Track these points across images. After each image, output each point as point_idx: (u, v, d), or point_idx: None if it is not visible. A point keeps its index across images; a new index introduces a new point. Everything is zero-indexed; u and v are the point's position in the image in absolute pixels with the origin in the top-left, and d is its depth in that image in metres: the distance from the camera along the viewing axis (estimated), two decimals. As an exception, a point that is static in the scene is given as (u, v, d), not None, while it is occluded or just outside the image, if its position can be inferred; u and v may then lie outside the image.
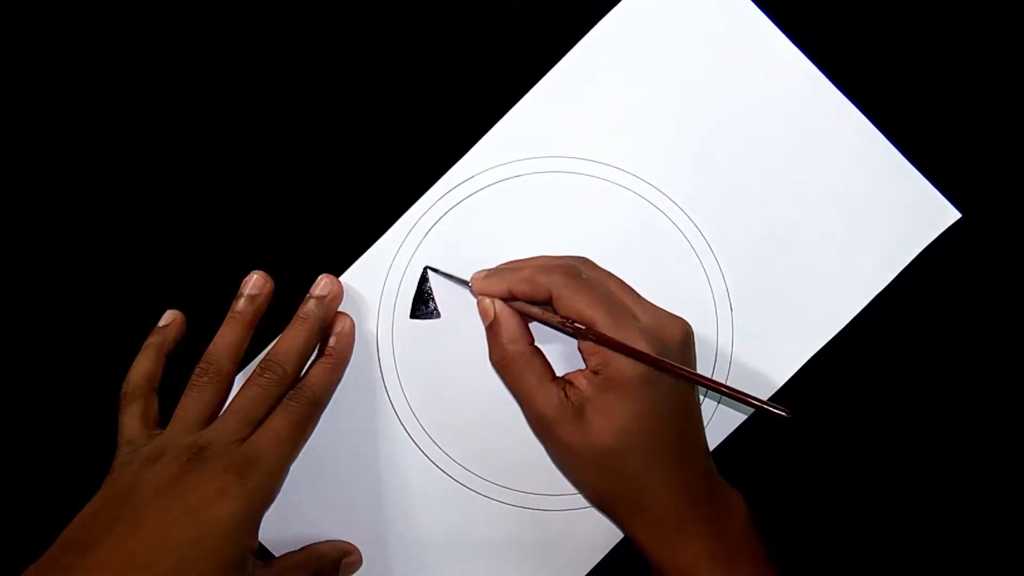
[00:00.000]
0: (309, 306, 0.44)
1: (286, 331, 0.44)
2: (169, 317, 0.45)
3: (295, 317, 0.44)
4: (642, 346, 0.40)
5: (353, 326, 0.45)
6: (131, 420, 0.43)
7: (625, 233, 0.47)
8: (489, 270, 0.45)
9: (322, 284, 0.45)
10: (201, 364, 0.43)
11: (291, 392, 0.42)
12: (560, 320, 0.41)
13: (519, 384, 0.43)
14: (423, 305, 0.46)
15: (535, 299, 0.43)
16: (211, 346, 0.43)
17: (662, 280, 0.46)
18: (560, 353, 0.45)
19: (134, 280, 0.47)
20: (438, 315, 0.47)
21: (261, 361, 0.43)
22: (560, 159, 0.47)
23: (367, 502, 0.46)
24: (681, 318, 0.43)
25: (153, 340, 0.45)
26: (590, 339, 0.41)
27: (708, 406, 0.47)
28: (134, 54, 0.48)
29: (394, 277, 0.47)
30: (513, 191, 0.47)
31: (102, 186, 0.48)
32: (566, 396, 0.41)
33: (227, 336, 0.44)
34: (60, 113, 0.48)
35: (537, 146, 0.47)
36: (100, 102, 0.48)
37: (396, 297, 0.47)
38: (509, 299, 0.43)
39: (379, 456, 0.46)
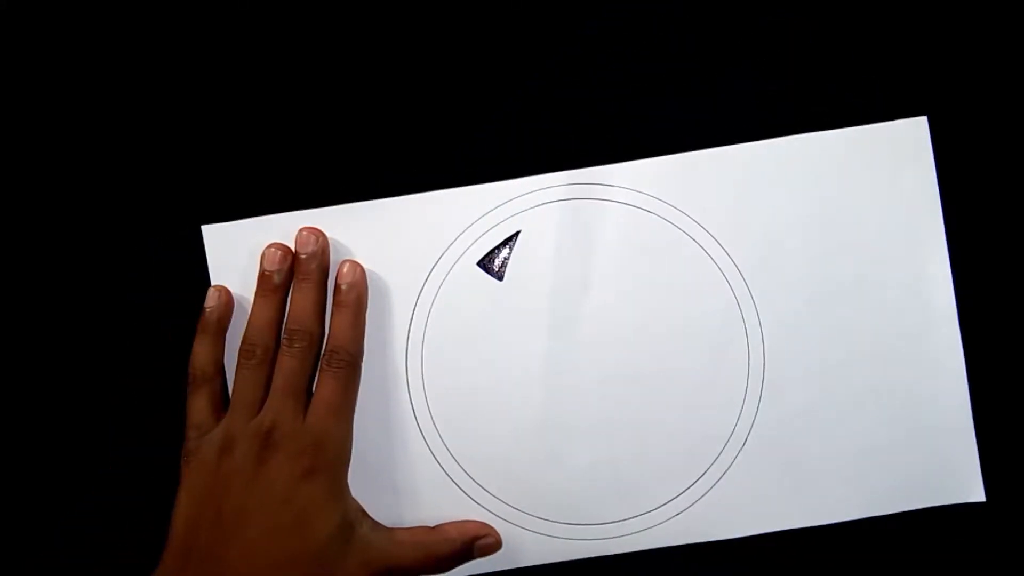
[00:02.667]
0: (304, 263, 0.45)
1: (292, 296, 0.45)
2: (215, 296, 0.46)
3: (296, 280, 0.45)
4: None
5: (363, 272, 0.46)
6: (200, 404, 0.44)
7: (700, 315, 0.47)
8: None
9: (304, 237, 0.45)
10: (245, 346, 0.44)
11: (324, 357, 0.44)
12: None
13: None
14: (493, 261, 0.46)
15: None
16: (249, 327, 0.45)
17: (704, 375, 0.46)
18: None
19: (135, 279, 0.47)
20: (501, 278, 0.46)
21: (285, 332, 0.44)
22: (686, 218, 0.47)
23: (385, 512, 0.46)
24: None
25: (208, 320, 0.45)
26: None
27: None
28: (134, 54, 0.47)
29: (481, 225, 0.47)
30: (629, 218, 0.47)
31: (102, 184, 0.47)
32: None
33: (263, 313, 0.45)
34: (60, 113, 0.47)
35: (675, 195, 0.47)
36: (100, 102, 0.47)
37: (473, 243, 0.47)
38: None
39: (397, 467, 0.46)
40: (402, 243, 0.46)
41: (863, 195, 0.47)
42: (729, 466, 0.46)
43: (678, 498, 0.46)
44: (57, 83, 0.48)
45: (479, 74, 0.48)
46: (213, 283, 0.46)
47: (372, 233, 0.46)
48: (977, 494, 0.47)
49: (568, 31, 0.48)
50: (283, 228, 0.46)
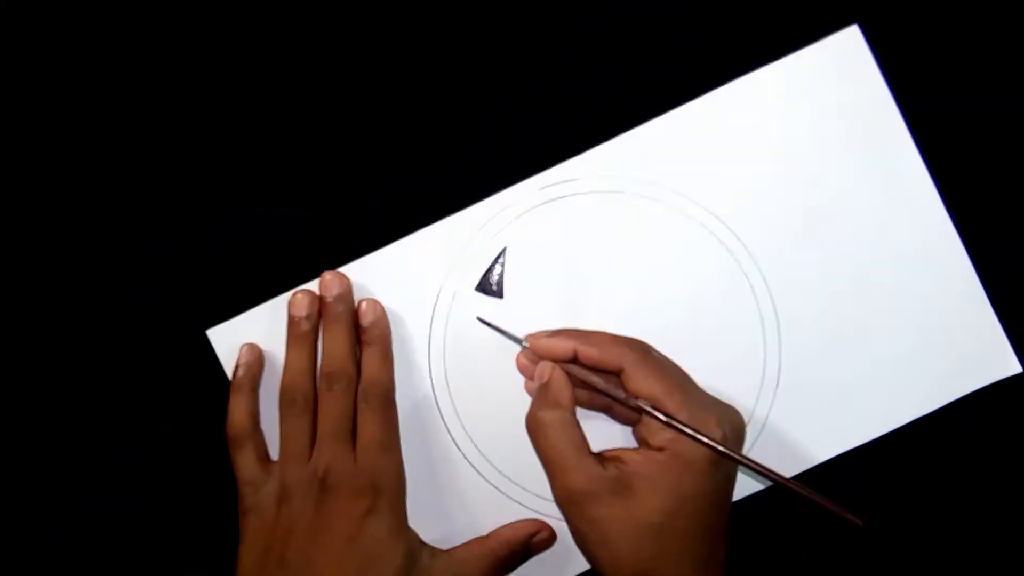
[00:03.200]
0: (331, 306, 0.45)
1: (324, 340, 0.45)
2: (247, 354, 0.46)
3: (325, 324, 0.46)
4: (715, 431, 0.40)
5: (382, 308, 0.46)
6: (247, 462, 0.44)
7: (699, 278, 0.47)
8: (551, 331, 0.45)
9: (328, 281, 0.46)
10: (285, 395, 0.45)
11: (360, 395, 0.44)
12: (626, 396, 0.41)
13: (552, 451, 0.42)
14: (490, 282, 0.47)
15: (602, 368, 0.42)
16: (285, 375, 0.45)
17: (721, 335, 0.47)
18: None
19: (135, 279, 0.48)
20: (501, 296, 0.47)
21: (323, 376, 0.45)
22: (662, 189, 0.48)
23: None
24: (735, 408, 0.43)
25: (241, 379, 0.46)
26: (659, 419, 0.40)
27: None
28: (134, 54, 0.48)
29: (471, 251, 0.47)
30: (606, 204, 0.47)
31: (102, 184, 0.48)
32: (604, 470, 0.41)
33: (298, 361, 0.45)
34: (60, 113, 0.48)
35: (644, 169, 0.47)
36: (100, 102, 0.48)
37: (467, 269, 0.47)
38: (570, 362, 0.43)
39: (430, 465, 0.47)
40: (398, 293, 0.47)
41: (820, 116, 0.47)
42: (768, 413, 0.47)
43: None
44: (57, 83, 0.48)
45: (479, 74, 0.48)
46: (230, 377, 0.46)
47: (366, 291, 0.47)
48: (1013, 366, 0.47)
49: (568, 31, 0.48)
50: (280, 310, 0.47)
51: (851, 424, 0.47)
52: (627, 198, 0.47)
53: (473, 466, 0.47)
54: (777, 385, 0.47)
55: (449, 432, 0.47)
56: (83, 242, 0.48)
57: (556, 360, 0.43)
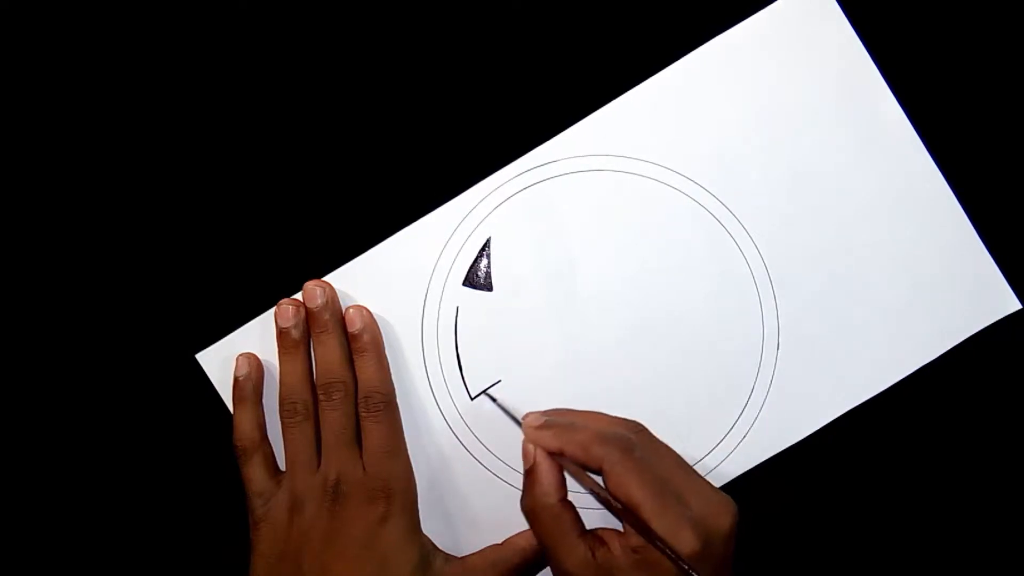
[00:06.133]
0: (318, 315, 0.45)
1: (315, 351, 0.45)
2: (245, 365, 0.46)
3: (314, 334, 0.45)
4: (688, 543, 0.39)
5: (369, 312, 0.46)
6: (256, 473, 0.44)
7: (688, 246, 0.47)
8: (545, 417, 0.44)
9: (311, 291, 0.45)
10: (285, 405, 0.45)
11: (361, 403, 0.44)
12: (606, 496, 0.41)
13: (546, 538, 0.42)
14: (477, 275, 0.47)
15: (586, 466, 0.42)
16: (282, 386, 0.45)
17: (716, 301, 0.46)
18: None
19: (134, 278, 0.47)
20: (490, 288, 0.47)
21: (320, 387, 0.44)
22: (641, 163, 0.47)
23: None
24: (730, 502, 0.41)
25: (243, 391, 0.45)
26: (632, 526, 0.40)
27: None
28: (134, 54, 0.47)
29: (453, 246, 0.47)
30: (587, 184, 0.47)
31: (105, 189, 0.47)
32: (593, 556, 0.40)
33: (292, 370, 0.45)
34: (62, 113, 0.47)
35: (621, 145, 0.47)
36: (100, 102, 0.47)
37: (452, 264, 0.47)
38: (556, 455, 0.43)
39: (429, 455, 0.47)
40: (385, 297, 0.46)
41: (794, 71, 0.47)
42: (772, 375, 0.47)
43: (735, 426, 0.46)
44: (57, 83, 0.47)
45: (479, 74, 0.47)
46: (225, 399, 0.46)
47: (352, 299, 0.46)
48: (1013, 304, 0.47)
49: (568, 31, 0.47)
50: (268, 325, 0.46)
51: (857, 379, 0.47)
52: (606, 175, 0.47)
53: (479, 464, 0.46)
54: (778, 347, 0.47)
55: (453, 433, 0.46)
56: (83, 242, 0.47)
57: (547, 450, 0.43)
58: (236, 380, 0.45)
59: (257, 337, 0.46)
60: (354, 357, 0.45)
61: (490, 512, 0.46)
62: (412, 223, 0.47)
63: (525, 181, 0.47)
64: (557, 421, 0.43)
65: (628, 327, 0.46)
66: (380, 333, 0.46)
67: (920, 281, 0.47)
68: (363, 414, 0.44)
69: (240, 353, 0.46)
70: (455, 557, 0.45)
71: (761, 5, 0.47)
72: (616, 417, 0.44)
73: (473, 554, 0.45)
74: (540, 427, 0.43)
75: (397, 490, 0.43)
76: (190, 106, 0.47)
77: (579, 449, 0.41)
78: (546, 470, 0.42)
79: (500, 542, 0.46)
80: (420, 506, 0.45)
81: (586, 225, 0.47)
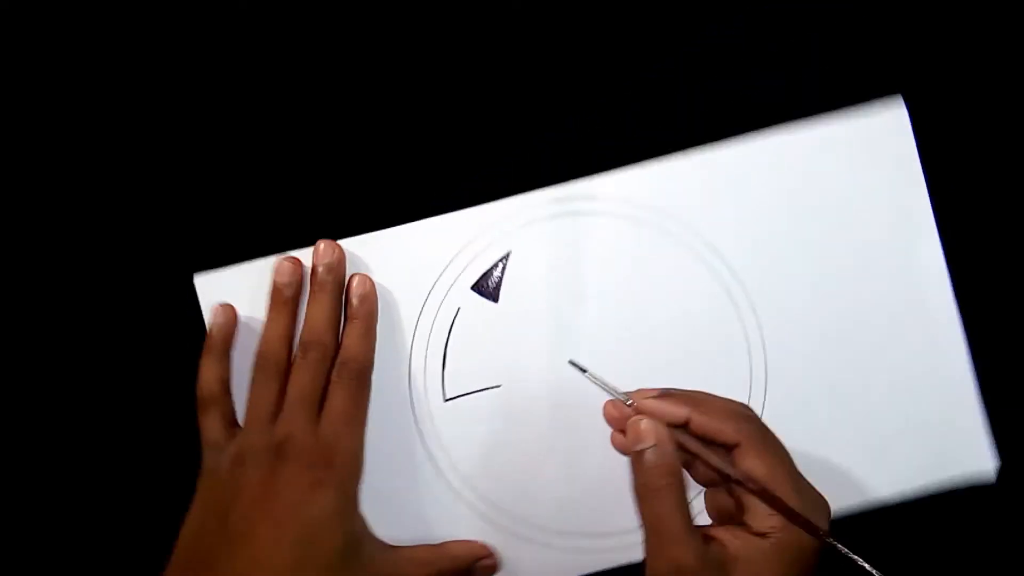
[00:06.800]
0: (321, 275, 0.45)
1: (309, 307, 0.45)
2: (220, 315, 0.45)
3: (311, 291, 0.45)
4: (823, 521, 0.38)
5: (372, 285, 0.46)
6: (212, 423, 0.44)
7: (695, 319, 0.47)
8: (660, 391, 0.42)
9: (322, 250, 0.45)
10: (259, 360, 0.44)
11: (336, 368, 0.43)
12: (738, 475, 0.38)
13: (662, 523, 0.38)
14: (487, 283, 0.47)
15: (714, 440, 0.39)
16: (262, 341, 0.44)
17: (705, 384, 0.46)
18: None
19: (134, 279, 0.48)
20: (496, 299, 0.47)
21: (300, 343, 0.44)
22: (677, 224, 0.47)
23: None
24: (827, 502, 0.40)
25: (213, 341, 0.45)
26: (769, 503, 0.38)
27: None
28: (134, 54, 0.47)
29: (473, 248, 0.47)
30: (618, 229, 0.47)
31: (102, 183, 0.47)
32: (709, 549, 0.38)
33: (276, 327, 0.45)
34: (61, 113, 0.47)
35: (663, 201, 0.47)
36: (100, 101, 0.47)
37: (467, 265, 0.47)
38: (679, 427, 0.40)
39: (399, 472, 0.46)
40: (393, 277, 0.46)
41: (849, 184, 0.47)
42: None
43: (697, 497, 0.47)
44: (57, 83, 0.47)
45: (479, 76, 0.47)
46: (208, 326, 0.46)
47: (362, 269, 0.46)
48: (987, 462, 0.47)
49: (569, 32, 0.47)
50: (269, 271, 0.46)
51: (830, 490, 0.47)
52: (639, 227, 0.47)
53: (437, 467, 0.46)
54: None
55: (419, 429, 0.46)
56: (83, 242, 0.47)
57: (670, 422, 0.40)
58: (208, 330, 0.45)
59: (257, 278, 0.46)
60: (345, 324, 0.45)
61: (433, 512, 0.46)
62: (441, 215, 0.47)
63: (560, 208, 0.47)
64: (677, 393, 0.41)
65: (618, 376, 0.46)
66: (377, 307, 0.46)
67: (908, 417, 0.47)
68: (334, 378, 0.43)
69: (222, 300, 0.45)
70: (388, 546, 0.44)
71: (837, 107, 0.47)
72: (727, 398, 0.42)
73: (408, 547, 0.44)
74: (662, 397, 0.41)
75: (340, 463, 0.42)
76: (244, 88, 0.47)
77: (710, 421, 0.39)
78: (670, 446, 0.39)
79: (436, 543, 0.45)
80: (375, 496, 0.44)
81: (604, 268, 0.47)
